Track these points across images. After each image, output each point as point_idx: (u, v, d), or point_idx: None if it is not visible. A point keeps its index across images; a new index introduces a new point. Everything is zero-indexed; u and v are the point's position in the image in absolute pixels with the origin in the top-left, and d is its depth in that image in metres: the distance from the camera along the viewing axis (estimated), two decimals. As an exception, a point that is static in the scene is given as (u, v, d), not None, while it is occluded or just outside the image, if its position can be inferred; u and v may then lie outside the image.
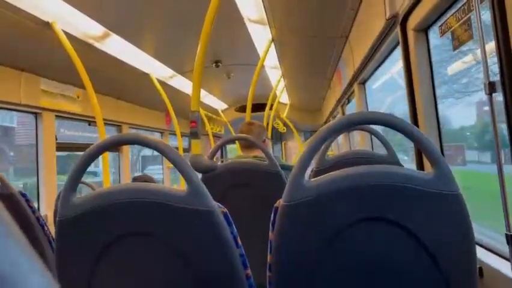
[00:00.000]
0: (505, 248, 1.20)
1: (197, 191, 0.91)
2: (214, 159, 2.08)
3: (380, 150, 2.21)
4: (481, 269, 1.28)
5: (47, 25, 2.64)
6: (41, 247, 1.75)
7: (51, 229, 1.92)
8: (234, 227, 0.96)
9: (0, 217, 0.21)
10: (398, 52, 2.19)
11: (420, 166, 1.94)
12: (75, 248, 0.95)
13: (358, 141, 4.49)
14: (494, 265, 1.27)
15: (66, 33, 2.77)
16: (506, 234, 1.13)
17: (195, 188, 0.91)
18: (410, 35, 1.96)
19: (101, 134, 3.29)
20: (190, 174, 0.93)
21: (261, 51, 3.97)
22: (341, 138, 5.85)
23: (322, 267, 0.88)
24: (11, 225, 0.21)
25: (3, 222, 0.21)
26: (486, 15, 1.24)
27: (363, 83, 3.67)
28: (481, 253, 1.38)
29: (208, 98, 6.43)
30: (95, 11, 2.67)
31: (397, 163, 1.95)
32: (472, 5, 1.33)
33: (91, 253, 0.93)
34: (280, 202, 0.90)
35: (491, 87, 1.17)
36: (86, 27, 2.86)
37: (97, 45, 3.15)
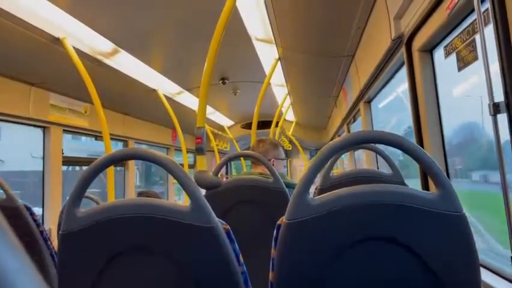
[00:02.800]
0: (510, 270, 1.18)
1: (200, 207, 0.91)
2: (219, 176, 2.08)
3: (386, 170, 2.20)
4: None
5: (58, 41, 2.69)
6: (43, 261, 1.76)
7: (55, 243, 1.91)
8: (237, 244, 0.96)
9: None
10: (404, 72, 2.21)
11: (425, 186, 1.93)
12: (78, 262, 0.95)
13: (364, 159, 4.48)
14: (498, 287, 1.25)
15: (76, 49, 2.82)
16: (511, 257, 1.12)
17: (198, 204, 0.91)
18: (415, 55, 1.97)
19: (107, 149, 3.31)
20: (193, 190, 0.93)
21: (267, 69, 4.01)
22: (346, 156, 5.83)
23: (324, 286, 0.87)
24: (8, 234, 0.21)
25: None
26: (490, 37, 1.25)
27: (369, 101, 3.68)
28: (485, 275, 1.36)
29: (215, 115, 6.47)
30: (104, 28, 2.72)
31: (402, 182, 1.94)
32: (477, 27, 1.34)
33: (93, 267, 0.93)
34: (283, 219, 0.90)
35: (495, 108, 1.17)
36: (96, 44, 2.91)
37: (106, 61, 3.20)
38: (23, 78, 3.18)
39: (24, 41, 2.58)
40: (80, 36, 2.75)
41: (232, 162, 10.16)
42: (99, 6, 2.45)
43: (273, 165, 2.23)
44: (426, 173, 0.88)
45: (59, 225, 2.67)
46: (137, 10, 2.56)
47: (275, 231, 0.92)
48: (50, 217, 3.47)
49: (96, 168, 0.95)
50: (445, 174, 0.87)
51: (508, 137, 1.14)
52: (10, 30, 2.39)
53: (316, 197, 0.89)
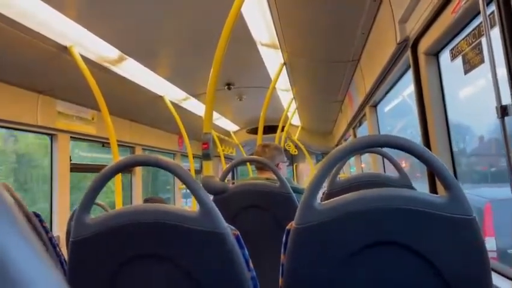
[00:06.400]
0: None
1: (209, 213, 0.91)
2: (226, 181, 2.08)
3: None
4: None
5: (65, 49, 2.72)
6: None
7: (63, 250, 1.92)
8: (246, 250, 0.96)
9: (24, 231, 0.22)
10: (410, 75, 2.20)
11: (433, 189, 1.92)
12: (87, 269, 0.96)
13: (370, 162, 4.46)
14: None
15: (83, 56, 2.85)
16: None
17: (207, 209, 0.92)
18: (421, 58, 1.97)
19: (114, 156, 3.33)
20: (202, 196, 0.93)
21: (272, 74, 4.02)
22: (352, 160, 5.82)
23: None
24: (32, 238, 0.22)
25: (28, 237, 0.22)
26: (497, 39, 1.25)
27: (375, 105, 3.67)
28: (497, 279, 1.35)
29: (220, 120, 6.49)
30: (111, 36, 2.75)
31: (409, 186, 1.93)
32: (483, 30, 1.34)
33: (103, 274, 0.94)
34: (292, 224, 0.90)
35: (503, 111, 1.17)
36: (103, 51, 2.94)
37: (113, 68, 3.23)
38: (31, 87, 3.21)
39: (32, 50, 2.61)
40: (87, 45, 2.77)
41: (238, 168, 10.16)
42: (106, 14, 2.47)
43: (279, 169, 2.23)
44: (436, 176, 0.88)
45: (67, 232, 2.69)
46: (144, 18, 2.59)
47: (284, 236, 0.92)
48: (58, 224, 3.48)
49: (106, 175, 0.96)
50: (454, 177, 0.86)
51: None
52: (18, 39, 2.42)
53: (324, 202, 0.89)
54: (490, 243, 2.51)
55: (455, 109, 2.08)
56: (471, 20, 1.55)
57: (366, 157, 5.03)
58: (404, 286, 0.86)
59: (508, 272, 1.39)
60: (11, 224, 0.22)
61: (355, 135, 5.02)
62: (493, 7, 1.22)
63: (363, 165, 5.43)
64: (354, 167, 6.55)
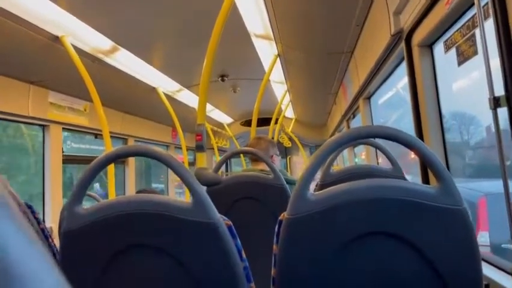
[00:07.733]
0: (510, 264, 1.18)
1: (202, 203, 0.91)
2: (219, 173, 2.08)
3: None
4: (487, 286, 1.27)
5: (57, 39, 2.68)
6: None
7: (56, 241, 1.91)
8: (239, 240, 0.96)
9: (22, 224, 0.22)
10: (404, 67, 2.20)
11: (426, 180, 1.93)
12: (79, 260, 0.95)
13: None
14: (501, 282, 1.25)
15: (75, 47, 2.82)
16: None
17: (200, 200, 0.91)
18: (415, 50, 1.97)
19: (107, 147, 3.31)
20: (195, 187, 0.93)
21: (266, 66, 4.01)
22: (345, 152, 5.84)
23: (326, 281, 0.87)
24: (31, 232, 0.22)
25: (25, 229, 0.22)
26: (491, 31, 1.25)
27: (369, 98, 3.68)
28: (487, 269, 1.37)
29: (214, 112, 6.47)
30: (104, 26, 2.71)
31: (402, 177, 1.94)
32: (476, 21, 1.34)
33: (95, 265, 0.93)
34: (284, 215, 0.90)
35: (495, 102, 1.17)
36: (95, 42, 2.91)
37: (105, 59, 3.20)
38: (22, 77, 3.18)
39: (23, 40, 2.58)
40: (79, 35, 2.74)
41: (232, 161, 10.17)
42: (98, 4, 2.44)
43: (273, 162, 2.23)
44: (428, 167, 0.88)
45: (60, 223, 2.68)
46: (137, 8, 2.56)
47: (277, 227, 0.92)
48: (51, 215, 3.47)
49: (97, 166, 0.95)
50: (446, 168, 0.87)
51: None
52: (9, 28, 2.38)
53: (316, 193, 0.89)
54: (484, 238, 2.52)
55: (459, 98, 2.06)
56: (465, 12, 1.55)
57: (361, 149, 5.05)
58: (396, 276, 0.86)
59: (500, 263, 1.40)
60: (7, 216, 0.22)
61: (349, 127, 5.03)
62: (486, -2, 1.22)
63: (363, 157, 5.45)
64: (348, 162, 6.59)
